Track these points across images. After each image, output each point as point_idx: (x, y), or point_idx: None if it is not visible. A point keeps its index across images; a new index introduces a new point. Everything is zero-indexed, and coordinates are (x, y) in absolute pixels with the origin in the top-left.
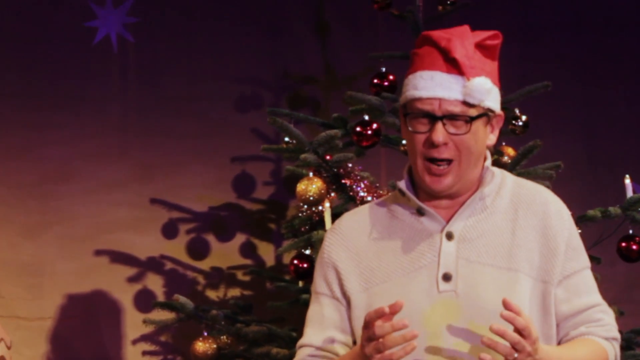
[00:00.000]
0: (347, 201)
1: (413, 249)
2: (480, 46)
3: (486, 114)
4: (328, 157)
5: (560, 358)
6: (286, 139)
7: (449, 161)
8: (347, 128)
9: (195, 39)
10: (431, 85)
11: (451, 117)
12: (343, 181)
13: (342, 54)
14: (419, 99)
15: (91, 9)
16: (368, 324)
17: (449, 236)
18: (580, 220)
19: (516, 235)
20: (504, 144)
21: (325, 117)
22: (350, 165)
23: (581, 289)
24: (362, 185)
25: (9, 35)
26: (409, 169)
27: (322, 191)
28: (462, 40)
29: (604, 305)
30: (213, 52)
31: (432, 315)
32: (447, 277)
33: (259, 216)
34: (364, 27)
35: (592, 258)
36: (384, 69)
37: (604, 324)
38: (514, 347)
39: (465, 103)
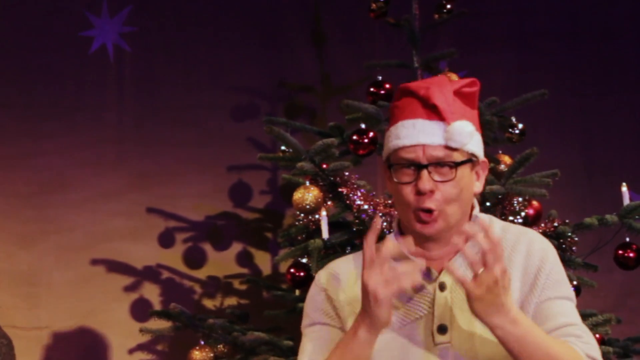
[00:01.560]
0: (343, 210)
1: (407, 300)
2: (458, 93)
3: (470, 160)
4: (324, 166)
5: (531, 325)
6: (283, 147)
7: (434, 211)
8: (343, 137)
9: (191, 48)
10: (413, 132)
11: (436, 164)
12: (339, 190)
13: (338, 63)
14: (402, 148)
15: (87, 18)
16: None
17: (442, 287)
18: (577, 228)
19: None
20: (500, 152)
21: (321, 125)
22: (346, 173)
23: (558, 311)
24: (359, 194)
25: (5, 45)
26: (398, 221)
27: (319, 200)
28: (441, 88)
29: (585, 328)
30: (209, 61)
31: None
32: (442, 329)
33: (256, 225)
34: (360, 36)
35: (589, 266)
36: (380, 78)
37: (586, 342)
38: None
39: (449, 148)
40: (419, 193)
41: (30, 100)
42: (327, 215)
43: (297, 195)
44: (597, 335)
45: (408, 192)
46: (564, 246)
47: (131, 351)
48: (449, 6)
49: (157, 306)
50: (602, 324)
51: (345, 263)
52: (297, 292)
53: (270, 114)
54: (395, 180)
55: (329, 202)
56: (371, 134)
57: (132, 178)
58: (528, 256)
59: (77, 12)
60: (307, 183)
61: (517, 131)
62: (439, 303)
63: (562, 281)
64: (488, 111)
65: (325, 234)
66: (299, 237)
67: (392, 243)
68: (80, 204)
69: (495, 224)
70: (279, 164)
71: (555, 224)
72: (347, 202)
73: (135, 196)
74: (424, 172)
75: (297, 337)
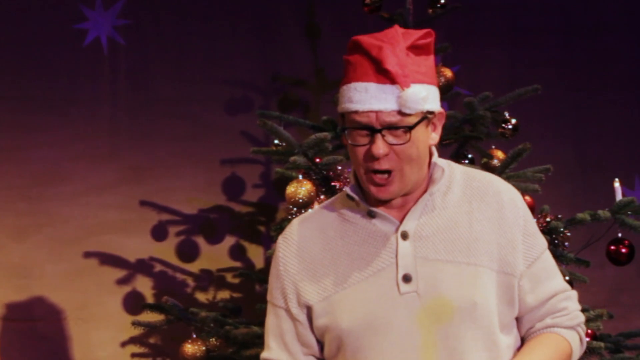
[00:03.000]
0: None
1: (369, 252)
2: (412, 47)
3: (425, 118)
4: (318, 160)
5: None
6: (276, 141)
7: (390, 172)
8: (336, 130)
9: (185, 41)
10: (366, 97)
11: (390, 128)
12: (332, 183)
13: (332, 57)
14: (356, 112)
15: (81, 11)
16: None
17: (404, 236)
18: (569, 223)
19: (473, 229)
20: (493, 147)
21: (315, 119)
22: (339, 167)
23: (543, 275)
24: None
25: None
26: (354, 173)
27: (312, 193)
28: (394, 47)
29: (568, 291)
30: (203, 55)
31: (395, 318)
32: (407, 279)
33: (249, 218)
34: (354, 30)
35: (581, 261)
36: None
37: (568, 312)
38: None
39: (402, 113)
40: (373, 157)
41: (23, 92)
42: None
43: (290, 189)
44: (589, 331)
45: (362, 153)
46: (556, 241)
47: (123, 344)
48: (442, 1)
49: (150, 299)
50: (594, 319)
51: (302, 223)
52: None
53: (264, 108)
54: (350, 142)
55: (322, 196)
56: None
57: (126, 171)
58: (499, 209)
59: (71, 5)
60: (300, 177)
61: (510, 126)
62: (402, 252)
63: (536, 231)
64: (481, 106)
65: None
66: None
67: None
68: (73, 196)
69: (455, 169)
70: (272, 158)
71: (548, 219)
72: None
73: (129, 189)
74: (378, 137)
75: None
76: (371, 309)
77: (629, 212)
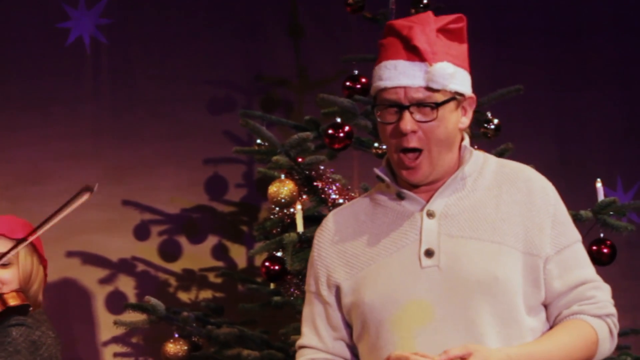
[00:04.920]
0: (318, 204)
1: (395, 230)
2: (443, 30)
3: (454, 98)
4: (300, 160)
5: (542, 352)
6: (258, 141)
7: (419, 150)
8: (319, 130)
9: (168, 41)
10: (395, 74)
11: (418, 105)
12: (315, 183)
13: (315, 57)
14: (385, 89)
15: (64, 10)
16: None
17: (430, 214)
18: None
19: (500, 210)
20: (476, 147)
21: (297, 119)
22: (322, 167)
23: (572, 263)
24: (334, 188)
25: None
26: (387, 159)
27: (294, 193)
28: (424, 27)
29: (598, 281)
30: (186, 54)
31: (415, 293)
32: (429, 253)
33: (231, 218)
34: (337, 30)
35: None
36: (356, 72)
37: (597, 301)
38: None
39: (430, 89)
40: (402, 134)
41: (5, 91)
42: (302, 209)
43: (273, 188)
44: None
45: (391, 132)
46: None
47: (105, 344)
48: (425, 1)
49: (132, 299)
50: None
51: (337, 212)
52: (272, 286)
53: (247, 107)
54: (379, 120)
55: (304, 196)
56: (347, 128)
57: (108, 170)
58: (529, 194)
59: (53, 4)
60: (283, 176)
61: (492, 126)
62: (426, 229)
63: (568, 222)
64: None
65: (300, 228)
66: (274, 231)
67: None
68: (55, 196)
69: (489, 158)
70: (254, 158)
71: None
72: (322, 195)
73: (111, 189)
74: (406, 113)
75: (272, 331)
76: (393, 282)
77: (611, 213)
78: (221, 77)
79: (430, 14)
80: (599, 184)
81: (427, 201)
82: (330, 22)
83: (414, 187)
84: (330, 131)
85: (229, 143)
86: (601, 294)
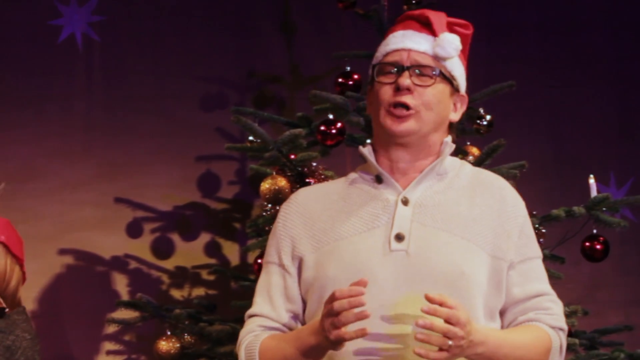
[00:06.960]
0: None
1: (367, 212)
2: (451, 28)
3: (451, 82)
4: (292, 156)
5: (499, 339)
6: (250, 137)
7: (410, 108)
8: (311, 127)
9: (160, 37)
10: (402, 39)
11: (418, 67)
12: (307, 180)
13: (307, 53)
14: (388, 53)
15: (56, 7)
16: (331, 299)
17: (405, 202)
18: (544, 219)
19: (472, 211)
20: (468, 143)
21: (290, 116)
22: (314, 164)
23: (533, 275)
24: None
25: None
26: (372, 143)
27: (286, 190)
28: (438, 14)
29: (554, 296)
30: (178, 51)
31: (380, 273)
32: (399, 237)
33: (224, 215)
34: (329, 27)
35: (556, 258)
36: (348, 68)
37: (552, 313)
38: (446, 335)
39: (435, 58)
40: (398, 89)
41: None
42: None
43: (265, 185)
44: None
45: (386, 89)
46: None
47: (98, 341)
48: None
49: (125, 296)
50: (569, 315)
51: (308, 189)
52: None
53: (239, 104)
54: (376, 80)
55: None
56: (339, 124)
57: (101, 168)
58: (501, 200)
59: (45, 1)
60: (275, 173)
61: (484, 122)
62: (399, 214)
63: (533, 237)
64: None
65: None
66: (267, 228)
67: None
68: (48, 193)
69: (466, 164)
70: (247, 154)
71: None
72: None
73: (104, 186)
74: (405, 72)
75: None
76: (359, 260)
77: (604, 209)
78: (214, 74)
79: (443, 13)
80: (591, 180)
81: (404, 188)
82: (323, 18)
83: (393, 163)
84: (322, 128)
85: (222, 140)
86: (557, 308)
